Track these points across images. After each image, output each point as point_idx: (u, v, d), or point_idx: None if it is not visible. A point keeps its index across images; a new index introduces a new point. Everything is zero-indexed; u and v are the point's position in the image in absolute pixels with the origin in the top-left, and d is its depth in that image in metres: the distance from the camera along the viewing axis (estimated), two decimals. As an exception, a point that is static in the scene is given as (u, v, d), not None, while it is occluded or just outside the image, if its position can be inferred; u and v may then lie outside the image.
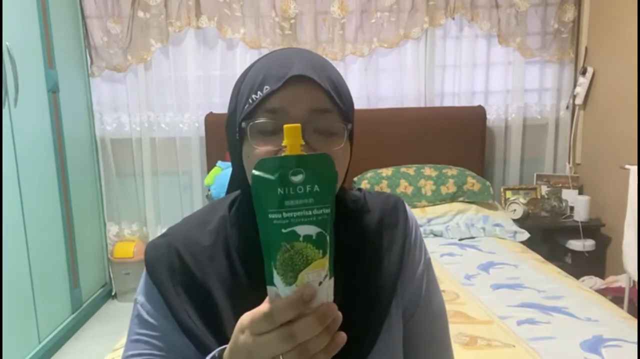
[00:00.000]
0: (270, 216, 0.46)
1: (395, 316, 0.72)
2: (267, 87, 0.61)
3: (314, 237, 0.46)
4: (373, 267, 0.70)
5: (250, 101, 0.62)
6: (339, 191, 0.68)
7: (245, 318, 0.49)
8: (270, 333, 0.46)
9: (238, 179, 0.68)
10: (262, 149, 0.61)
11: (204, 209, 0.76)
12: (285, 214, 0.45)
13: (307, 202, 0.46)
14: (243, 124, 0.62)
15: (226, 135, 0.69)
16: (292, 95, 0.61)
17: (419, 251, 0.77)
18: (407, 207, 0.78)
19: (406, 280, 0.74)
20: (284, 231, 0.46)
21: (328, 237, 0.47)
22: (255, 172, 0.46)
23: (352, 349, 0.58)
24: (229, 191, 0.78)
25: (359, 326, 0.66)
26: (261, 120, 0.61)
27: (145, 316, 0.68)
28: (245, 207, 0.69)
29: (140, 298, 0.69)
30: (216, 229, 0.70)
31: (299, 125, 0.47)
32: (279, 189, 0.45)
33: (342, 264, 0.64)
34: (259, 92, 0.61)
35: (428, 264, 0.79)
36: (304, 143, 0.48)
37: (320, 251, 0.47)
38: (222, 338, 0.63)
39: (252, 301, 0.56)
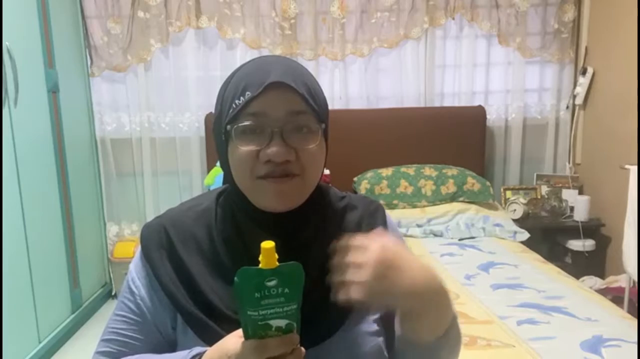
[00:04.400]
0: (248, 312, 0.57)
1: (364, 313, 0.76)
2: (249, 93, 0.68)
3: (283, 327, 0.58)
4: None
5: (234, 105, 0.69)
6: (322, 187, 0.78)
7: (230, 346, 0.61)
8: None
9: (226, 173, 0.77)
10: (245, 148, 0.69)
11: (195, 197, 0.86)
12: (261, 312, 0.57)
13: (279, 301, 0.57)
14: (228, 127, 0.70)
15: (213, 136, 0.77)
16: (271, 99, 0.68)
17: None
18: (388, 214, 0.85)
19: None
20: (260, 323, 0.57)
21: (295, 324, 0.59)
22: (237, 280, 0.56)
23: (317, 328, 0.71)
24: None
25: (325, 309, 0.73)
26: (244, 123, 0.69)
27: (131, 284, 0.78)
28: (231, 195, 0.77)
29: (132, 268, 0.80)
30: (202, 212, 0.79)
31: (273, 246, 0.56)
32: (256, 294, 0.56)
33: (321, 251, 0.73)
34: (241, 98, 0.69)
35: None
36: (277, 258, 0.57)
37: (288, 334, 0.59)
38: (200, 302, 0.72)
39: (231, 274, 0.68)
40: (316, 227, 0.76)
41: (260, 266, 0.56)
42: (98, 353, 0.77)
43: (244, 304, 0.57)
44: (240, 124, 0.69)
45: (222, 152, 0.73)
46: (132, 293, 0.77)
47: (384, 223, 0.82)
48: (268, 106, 0.68)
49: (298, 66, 0.74)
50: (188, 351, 0.69)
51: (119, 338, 0.76)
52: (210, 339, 0.68)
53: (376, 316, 0.78)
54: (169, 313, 0.75)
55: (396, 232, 0.86)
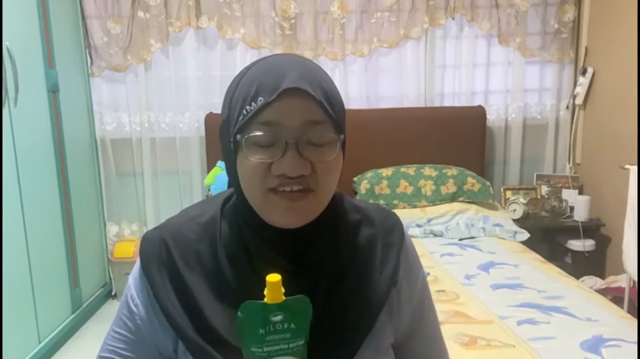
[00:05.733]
0: (252, 349, 0.54)
1: (382, 333, 0.73)
2: (261, 99, 0.62)
3: None
4: (362, 279, 0.72)
5: (244, 112, 0.63)
6: (335, 196, 0.72)
7: None
8: None
9: (232, 182, 0.71)
10: (256, 160, 0.63)
11: (198, 204, 0.78)
12: (265, 349, 0.54)
13: (285, 337, 0.54)
14: (238, 137, 0.63)
15: (220, 141, 0.71)
16: (286, 107, 0.62)
17: (415, 276, 0.78)
18: (405, 230, 0.78)
19: (403, 305, 0.75)
20: None
21: None
22: (240, 315, 0.53)
23: (328, 356, 0.65)
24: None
25: (340, 335, 0.68)
26: (256, 133, 0.62)
27: (130, 301, 0.73)
28: (238, 207, 0.71)
29: (131, 283, 0.74)
30: (206, 224, 0.72)
31: (279, 280, 0.54)
32: (260, 329, 0.53)
33: (332, 271, 0.69)
34: (252, 104, 0.62)
35: (423, 285, 0.81)
36: (284, 293, 0.54)
37: None
38: (203, 328, 0.67)
39: (236, 296, 0.65)
40: (327, 244, 0.70)
41: (266, 300, 0.54)
42: None
43: (247, 340, 0.54)
44: (251, 135, 0.62)
45: (230, 160, 0.67)
46: (131, 311, 0.73)
47: (400, 243, 0.76)
48: (282, 115, 0.62)
49: (314, 67, 0.67)
50: None
51: (116, 357, 0.73)
52: None
53: (388, 343, 0.74)
54: (170, 336, 0.70)
55: (413, 249, 0.80)
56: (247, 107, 0.63)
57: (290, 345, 0.54)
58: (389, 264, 0.73)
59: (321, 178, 0.64)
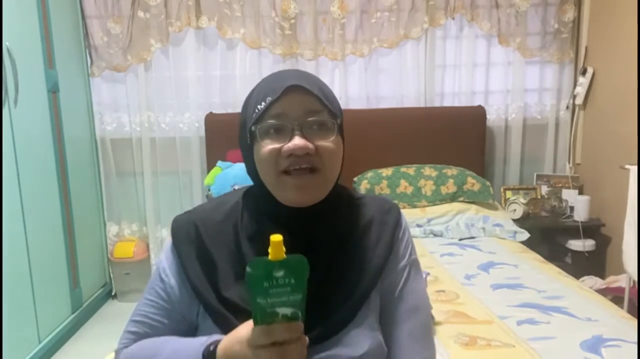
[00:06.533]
0: (258, 300, 0.63)
1: (374, 300, 0.83)
2: (270, 97, 0.76)
3: (289, 315, 0.64)
4: (359, 254, 0.83)
5: (257, 110, 0.77)
6: (340, 187, 0.84)
7: (243, 333, 0.68)
8: (266, 347, 0.65)
9: (250, 174, 0.83)
10: (269, 146, 0.76)
11: (223, 194, 0.93)
12: (269, 300, 0.62)
13: (286, 290, 0.63)
14: (253, 128, 0.77)
15: (240, 145, 0.84)
16: (290, 101, 0.76)
17: (405, 249, 0.88)
18: (402, 214, 0.90)
19: (387, 269, 0.84)
20: (268, 311, 0.63)
21: (300, 313, 0.65)
22: (248, 270, 0.62)
23: (325, 324, 0.76)
24: None
25: (340, 303, 0.79)
26: (267, 122, 0.76)
27: (162, 273, 0.86)
28: (256, 195, 0.84)
29: (163, 258, 0.87)
30: (229, 210, 0.86)
31: (281, 239, 0.62)
32: (265, 283, 0.62)
33: (332, 249, 0.81)
34: (263, 103, 0.77)
35: (413, 263, 0.88)
36: (285, 251, 0.62)
37: (293, 322, 0.66)
38: (222, 296, 0.79)
39: None
40: (330, 226, 0.82)
41: (269, 257, 0.62)
42: (127, 331, 0.87)
43: (254, 292, 0.62)
44: (263, 124, 0.76)
45: (249, 156, 0.81)
46: (162, 281, 0.85)
47: (396, 222, 0.87)
48: (287, 107, 0.76)
49: (312, 75, 0.83)
50: (207, 337, 0.76)
51: (146, 321, 0.85)
52: (229, 329, 0.74)
53: (377, 314, 0.84)
54: (195, 303, 0.82)
55: (407, 229, 0.90)
56: (259, 106, 0.77)
57: (290, 298, 0.63)
58: (383, 240, 0.84)
59: (325, 159, 0.77)
